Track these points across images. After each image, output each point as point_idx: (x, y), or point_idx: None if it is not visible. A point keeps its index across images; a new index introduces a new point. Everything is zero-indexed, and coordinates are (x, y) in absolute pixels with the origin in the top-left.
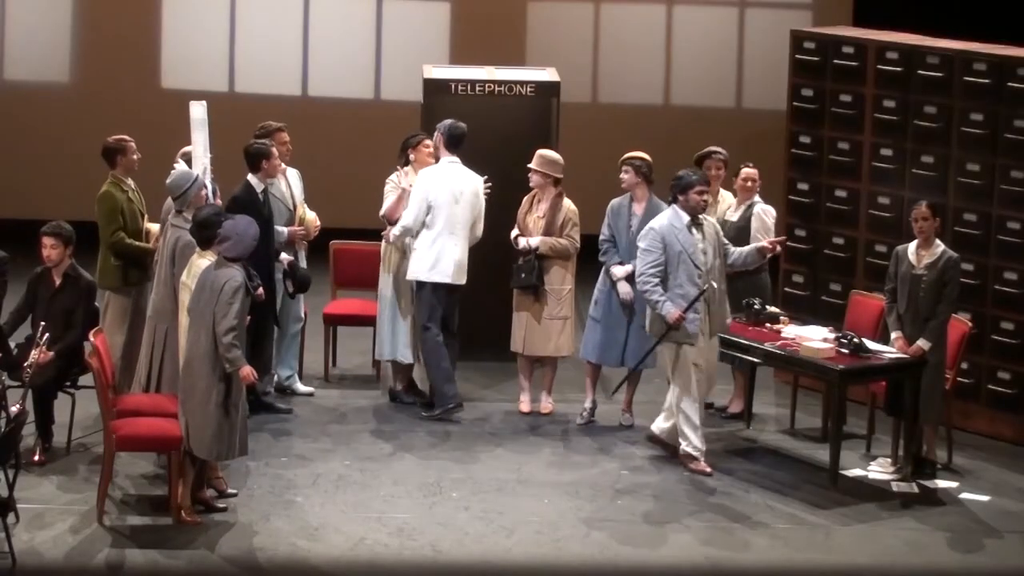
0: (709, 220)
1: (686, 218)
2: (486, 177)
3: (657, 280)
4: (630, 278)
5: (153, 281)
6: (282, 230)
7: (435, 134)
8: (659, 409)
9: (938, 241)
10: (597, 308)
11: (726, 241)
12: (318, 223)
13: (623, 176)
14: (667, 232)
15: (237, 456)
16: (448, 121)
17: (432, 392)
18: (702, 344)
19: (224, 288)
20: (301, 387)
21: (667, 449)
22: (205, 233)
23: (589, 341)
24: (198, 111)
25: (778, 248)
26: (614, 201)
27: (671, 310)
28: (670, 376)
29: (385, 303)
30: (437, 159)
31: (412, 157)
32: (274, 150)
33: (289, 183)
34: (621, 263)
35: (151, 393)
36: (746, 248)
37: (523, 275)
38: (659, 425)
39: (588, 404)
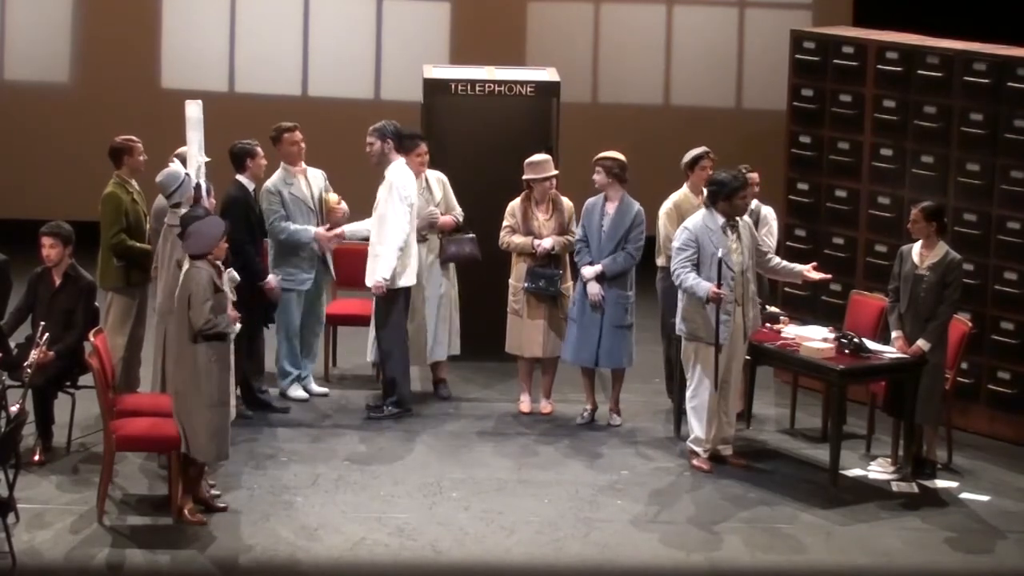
0: (744, 221)
1: (721, 220)
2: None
3: (690, 267)
4: (599, 278)
5: (154, 282)
6: (309, 230)
7: (375, 137)
8: (653, 410)
9: (942, 243)
10: (574, 308)
11: (768, 247)
12: (343, 207)
13: (595, 177)
14: (701, 233)
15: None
16: (391, 124)
17: (388, 391)
18: (733, 348)
19: (193, 290)
20: (315, 387)
21: (736, 461)
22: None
23: (568, 341)
24: (194, 110)
25: (817, 276)
26: (589, 200)
27: (706, 287)
28: (687, 373)
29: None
30: (380, 160)
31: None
32: (259, 149)
33: (310, 183)
34: (591, 263)
35: (152, 393)
36: (792, 266)
37: (542, 282)
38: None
39: (588, 407)
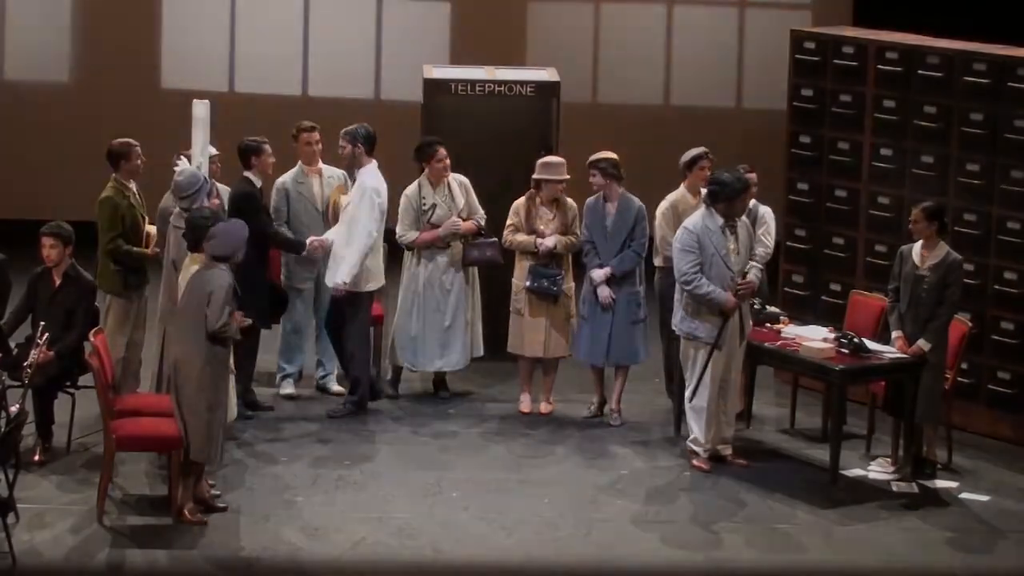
0: (743, 221)
1: (720, 220)
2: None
3: (701, 275)
4: (609, 280)
5: (159, 283)
6: (304, 243)
7: (347, 141)
8: (653, 410)
9: (943, 243)
10: (585, 307)
11: (766, 247)
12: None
13: (592, 179)
14: (702, 233)
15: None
16: (363, 127)
17: (352, 390)
18: (732, 348)
19: (215, 291)
20: (334, 386)
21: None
22: (194, 235)
23: (579, 339)
24: (200, 110)
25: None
26: (589, 200)
27: (724, 297)
28: (686, 373)
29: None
30: (352, 163)
31: (425, 170)
32: (266, 147)
33: (323, 184)
34: (600, 265)
35: (152, 393)
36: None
37: (544, 282)
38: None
39: (595, 399)
